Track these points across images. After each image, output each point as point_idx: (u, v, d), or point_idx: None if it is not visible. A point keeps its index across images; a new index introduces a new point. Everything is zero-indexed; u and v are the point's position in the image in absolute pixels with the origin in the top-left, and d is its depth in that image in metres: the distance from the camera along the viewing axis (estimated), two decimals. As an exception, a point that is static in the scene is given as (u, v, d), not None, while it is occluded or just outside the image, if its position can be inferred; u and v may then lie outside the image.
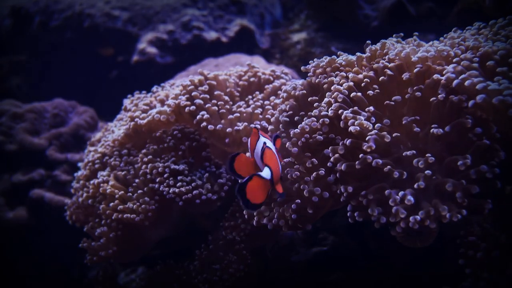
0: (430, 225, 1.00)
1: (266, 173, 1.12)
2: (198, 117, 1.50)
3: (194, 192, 1.47)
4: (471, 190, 0.99)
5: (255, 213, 1.26)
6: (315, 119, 1.22)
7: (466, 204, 1.00)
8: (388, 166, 1.06)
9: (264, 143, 1.18)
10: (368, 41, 1.32)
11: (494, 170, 1.00)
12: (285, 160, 1.28)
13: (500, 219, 1.24)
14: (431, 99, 1.11)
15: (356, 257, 1.65)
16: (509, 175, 1.17)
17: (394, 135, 1.10)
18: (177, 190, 1.47)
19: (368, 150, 1.08)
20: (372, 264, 1.60)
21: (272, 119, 1.44)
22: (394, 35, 1.35)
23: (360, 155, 1.09)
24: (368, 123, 1.11)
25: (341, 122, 1.15)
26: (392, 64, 1.19)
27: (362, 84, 1.20)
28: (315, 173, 1.17)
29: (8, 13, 3.16)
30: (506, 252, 1.18)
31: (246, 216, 1.32)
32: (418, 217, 1.00)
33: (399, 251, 1.48)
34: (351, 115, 1.14)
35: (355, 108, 1.16)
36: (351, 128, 1.11)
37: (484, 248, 1.19)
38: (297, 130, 1.24)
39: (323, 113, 1.21)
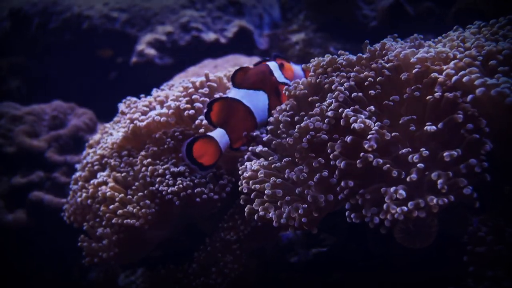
0: (420, 214, 1.00)
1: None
2: (197, 121, 1.49)
3: (196, 190, 1.47)
4: (459, 183, 0.99)
5: (260, 209, 1.24)
6: (319, 118, 1.22)
7: (452, 193, 1.00)
8: (387, 165, 1.06)
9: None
10: (367, 41, 1.32)
11: (483, 164, 1.00)
12: (284, 159, 1.28)
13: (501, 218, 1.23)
14: (427, 97, 1.11)
15: (356, 258, 1.65)
16: (509, 175, 1.17)
17: (393, 134, 1.10)
18: (176, 188, 1.45)
19: (370, 149, 1.08)
20: (373, 265, 1.60)
21: (272, 119, 1.44)
22: (388, 36, 1.35)
23: (361, 154, 1.09)
24: (370, 121, 1.11)
25: (341, 121, 1.15)
26: (390, 65, 1.19)
27: (366, 83, 1.20)
28: (318, 174, 1.16)
29: (7, 15, 3.16)
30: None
31: (246, 216, 1.32)
32: (405, 208, 1.00)
33: (400, 252, 1.48)
34: (352, 113, 1.14)
35: (356, 106, 1.16)
36: (355, 125, 1.10)
37: (491, 243, 1.18)
38: (302, 125, 1.24)
39: (327, 113, 1.21)
